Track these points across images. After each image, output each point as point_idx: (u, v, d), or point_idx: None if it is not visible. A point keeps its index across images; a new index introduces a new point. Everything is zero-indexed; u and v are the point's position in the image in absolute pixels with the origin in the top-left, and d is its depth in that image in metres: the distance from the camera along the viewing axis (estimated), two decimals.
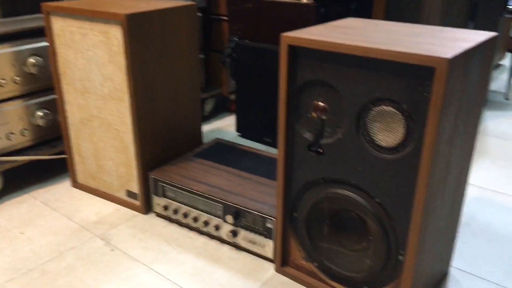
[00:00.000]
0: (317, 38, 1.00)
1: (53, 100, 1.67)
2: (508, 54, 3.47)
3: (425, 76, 0.89)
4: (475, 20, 2.08)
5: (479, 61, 0.99)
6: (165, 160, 1.59)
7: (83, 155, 1.63)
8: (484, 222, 1.52)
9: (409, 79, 0.91)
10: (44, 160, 1.86)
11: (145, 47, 1.40)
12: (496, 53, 2.79)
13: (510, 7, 2.56)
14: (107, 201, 1.62)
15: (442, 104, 0.87)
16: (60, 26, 1.47)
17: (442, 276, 1.27)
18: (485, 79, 1.07)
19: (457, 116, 0.97)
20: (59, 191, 1.68)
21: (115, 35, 1.36)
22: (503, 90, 2.81)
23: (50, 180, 1.76)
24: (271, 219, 1.28)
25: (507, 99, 2.67)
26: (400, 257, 1.06)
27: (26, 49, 1.57)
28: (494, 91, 2.81)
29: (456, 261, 1.34)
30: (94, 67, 1.45)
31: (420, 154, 0.94)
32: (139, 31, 1.37)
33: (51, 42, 1.51)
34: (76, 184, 1.70)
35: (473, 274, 1.29)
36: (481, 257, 1.36)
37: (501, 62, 3.41)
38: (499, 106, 2.57)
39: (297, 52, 1.05)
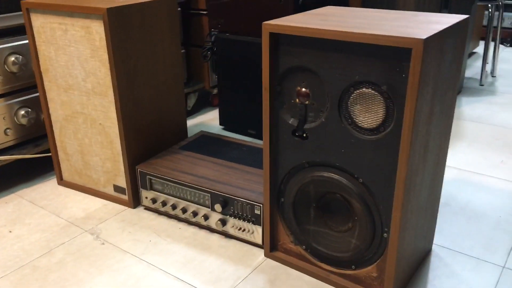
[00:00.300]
0: (297, 25, 1.03)
1: (35, 98, 1.67)
2: (481, 42, 3.57)
3: (402, 58, 0.93)
4: (448, 8, 2.14)
5: (452, 42, 1.04)
6: (151, 154, 1.60)
7: (68, 152, 1.63)
8: (463, 201, 1.58)
9: (387, 61, 0.95)
10: (29, 159, 1.85)
11: (127, 40, 1.41)
12: (470, 41, 2.87)
13: None
14: (94, 197, 1.63)
15: (419, 84, 0.91)
16: (40, 23, 1.47)
17: (426, 253, 1.32)
18: (459, 60, 1.12)
19: (434, 96, 1.02)
20: (45, 189, 1.68)
21: (97, 29, 1.36)
22: (477, 77, 2.90)
23: (36, 179, 1.75)
24: (259, 206, 1.31)
25: (481, 85, 2.75)
26: (385, 235, 1.10)
27: (6, 48, 1.56)
28: (469, 78, 2.89)
29: (438, 238, 1.39)
30: (76, 63, 1.45)
31: (400, 134, 0.98)
32: (121, 25, 1.38)
33: (32, 39, 1.51)
34: (62, 182, 1.70)
35: (454, 250, 1.34)
36: (461, 234, 1.41)
37: (475, 50, 3.50)
38: (474, 92, 2.65)
39: (278, 39, 1.08)
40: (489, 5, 2.69)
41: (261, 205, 1.30)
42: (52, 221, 1.50)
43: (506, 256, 1.31)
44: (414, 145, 0.98)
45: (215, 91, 2.40)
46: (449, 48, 1.03)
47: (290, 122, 1.15)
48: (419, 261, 1.28)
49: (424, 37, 0.88)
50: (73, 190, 1.67)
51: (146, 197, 1.52)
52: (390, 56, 0.94)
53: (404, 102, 0.95)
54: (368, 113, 1.02)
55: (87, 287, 1.21)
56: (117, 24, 1.36)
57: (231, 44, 1.97)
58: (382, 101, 0.99)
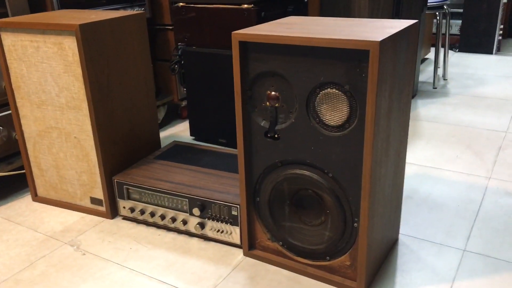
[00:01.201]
0: (265, 33, 1.12)
1: (7, 115, 1.68)
2: (432, 49, 3.79)
3: (362, 59, 1.02)
4: (399, 16, 2.29)
5: (405, 44, 1.15)
6: (127, 165, 1.64)
7: (42, 167, 1.64)
8: (424, 194, 1.69)
9: (348, 63, 1.04)
10: (2, 177, 1.84)
11: (100, 55, 1.46)
12: (422, 48, 3.06)
13: (430, 3, 2.83)
14: (71, 210, 1.64)
15: (378, 82, 1.01)
16: (11, 41, 1.50)
17: (394, 241, 1.42)
18: (412, 60, 1.23)
19: (392, 93, 1.12)
20: (20, 206, 1.68)
21: (69, 45, 1.40)
22: (430, 81, 3.08)
23: (10, 196, 1.75)
24: (235, 206, 1.37)
25: (435, 88, 2.93)
26: (355, 225, 1.19)
27: None
28: (423, 82, 3.07)
29: (404, 228, 1.49)
30: (49, 79, 1.48)
31: (363, 129, 1.08)
32: (93, 40, 1.42)
33: (3, 57, 1.53)
34: (37, 198, 1.70)
35: (419, 238, 1.44)
36: (424, 223, 1.52)
37: (427, 56, 3.71)
38: (428, 94, 2.82)
39: (247, 47, 1.16)
40: (437, 13, 2.89)
41: (238, 205, 1.37)
42: (30, 236, 1.50)
43: (466, 240, 1.42)
44: (376, 138, 1.08)
45: (184, 103, 2.46)
46: (402, 49, 1.14)
47: (262, 124, 1.22)
48: (388, 249, 1.38)
49: (380, 39, 0.98)
50: (49, 206, 1.68)
51: (124, 207, 1.55)
52: (351, 58, 1.03)
53: (365, 100, 1.05)
54: (333, 112, 1.11)
55: None
56: (90, 40, 1.41)
57: (198, 57, 2.04)
58: (345, 99, 1.08)
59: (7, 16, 1.69)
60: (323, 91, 1.10)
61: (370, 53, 0.99)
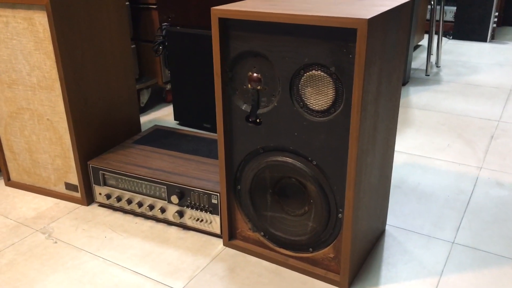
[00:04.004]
0: (246, 9, 1.04)
1: None
2: (426, 36, 3.72)
3: (349, 39, 0.95)
4: None
5: (396, 24, 1.08)
6: (103, 149, 1.56)
7: (15, 150, 1.56)
8: (413, 183, 1.64)
9: (334, 43, 0.97)
10: None
11: (73, 32, 1.37)
12: (415, 34, 2.99)
13: None
14: (45, 196, 1.57)
15: (365, 63, 0.94)
16: None
17: (380, 233, 1.36)
18: (403, 42, 1.16)
19: (380, 76, 1.05)
20: None
21: (40, 21, 1.32)
22: (423, 68, 3.01)
23: None
24: (215, 195, 1.31)
25: (427, 75, 2.87)
26: (340, 215, 1.13)
27: None
28: (416, 69, 3.00)
29: (391, 219, 1.44)
30: (19, 57, 1.40)
31: (349, 114, 1.01)
32: (65, 16, 1.33)
33: None
34: (9, 182, 1.62)
35: (407, 229, 1.39)
36: (412, 213, 1.47)
37: (420, 43, 3.64)
38: (420, 82, 2.75)
39: (227, 24, 1.08)
40: None
41: (218, 194, 1.30)
42: (0, 222, 1.43)
43: (455, 232, 1.37)
44: (363, 124, 1.01)
45: (168, 86, 2.37)
46: (393, 29, 1.06)
47: (243, 108, 1.15)
48: (374, 240, 1.32)
49: (368, 17, 0.91)
50: (22, 191, 1.60)
51: (100, 193, 1.48)
52: (337, 37, 0.96)
53: (352, 83, 0.98)
54: (318, 95, 1.04)
55: (40, 286, 1.17)
56: (62, 15, 1.32)
57: (182, 38, 1.95)
58: (331, 82, 1.01)
59: None
60: (308, 73, 1.03)
61: (357, 31, 0.92)
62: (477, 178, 1.67)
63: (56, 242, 1.34)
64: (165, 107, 2.40)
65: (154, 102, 2.45)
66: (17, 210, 1.50)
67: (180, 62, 2.01)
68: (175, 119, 2.14)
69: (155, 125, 1.75)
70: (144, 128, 2.10)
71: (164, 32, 2.01)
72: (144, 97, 2.32)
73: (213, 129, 2.05)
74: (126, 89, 1.62)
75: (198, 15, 1.90)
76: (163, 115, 2.28)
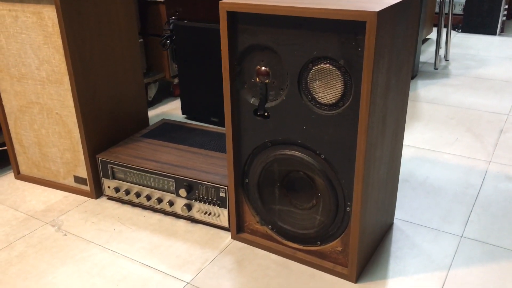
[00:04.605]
0: (254, 2, 1.03)
1: None
2: (434, 29, 3.69)
3: (358, 32, 0.95)
4: None
5: (405, 16, 1.07)
6: (112, 143, 1.57)
7: (24, 144, 1.57)
8: (421, 177, 1.63)
9: (343, 36, 0.97)
10: None
11: (81, 26, 1.37)
12: (423, 28, 2.96)
13: None
14: (54, 189, 1.58)
15: (374, 56, 0.93)
16: None
17: (388, 226, 1.36)
18: (413, 35, 1.15)
19: (389, 69, 1.05)
20: (2, 184, 1.62)
21: (49, 15, 1.32)
22: (432, 61, 2.99)
23: None
24: (223, 188, 1.31)
25: (436, 68, 2.84)
26: (348, 209, 1.13)
27: None
28: (424, 62, 2.98)
29: (399, 213, 1.43)
30: (29, 51, 1.40)
31: (358, 107, 1.01)
32: (74, 10, 1.34)
33: None
34: (19, 176, 1.64)
35: (415, 223, 1.39)
36: (421, 207, 1.46)
37: (429, 36, 3.61)
38: (429, 75, 2.74)
39: (236, 18, 1.08)
40: None
41: (226, 187, 1.30)
42: (10, 215, 1.45)
43: (463, 226, 1.36)
44: (372, 118, 1.01)
45: (176, 81, 2.38)
46: (402, 22, 1.06)
47: (251, 101, 1.15)
48: (382, 234, 1.32)
49: (378, 9, 0.90)
50: (32, 184, 1.62)
51: (109, 187, 1.49)
52: (346, 30, 0.96)
53: (361, 76, 0.98)
54: (327, 89, 1.04)
55: (50, 278, 1.18)
56: (70, 9, 1.32)
57: (190, 32, 1.95)
58: (340, 75, 1.01)
59: None
60: (316, 67, 1.03)
61: (367, 24, 0.91)
62: (486, 172, 1.66)
63: (65, 235, 1.35)
64: (172, 101, 2.40)
65: (162, 96, 2.45)
66: (27, 203, 1.51)
67: (187, 56, 2.01)
68: (182, 113, 2.15)
69: (163, 119, 1.75)
70: (151, 122, 2.11)
71: (171, 26, 2.01)
72: (152, 91, 2.33)
73: (221, 123, 2.05)
74: (134, 83, 1.63)
75: (205, 9, 1.89)
76: (171, 109, 2.29)
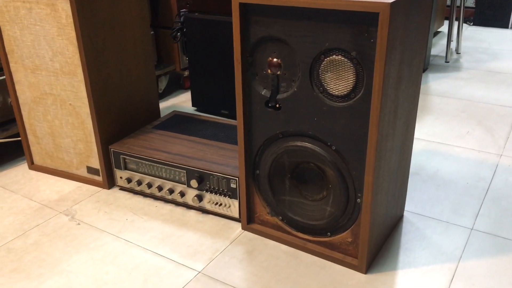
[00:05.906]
0: None
1: (1, 81, 1.63)
2: (446, 22, 3.66)
3: (370, 23, 0.95)
4: None
5: (418, 8, 1.07)
6: (124, 134, 1.59)
7: (38, 135, 1.60)
8: (432, 170, 1.63)
9: (355, 27, 0.97)
10: None
11: (94, 18, 1.38)
12: (435, 21, 2.94)
13: None
14: (67, 179, 1.61)
15: (387, 48, 0.93)
16: (3, 1, 1.43)
17: (398, 218, 1.36)
18: (425, 27, 1.15)
19: (402, 61, 1.05)
20: (16, 174, 1.65)
21: (63, 7, 1.33)
22: (443, 55, 2.97)
23: (6, 164, 1.71)
24: (234, 179, 1.32)
25: (447, 62, 2.83)
26: (358, 200, 1.13)
27: None
28: (435, 56, 2.96)
29: (409, 205, 1.44)
30: (43, 42, 1.42)
31: (370, 99, 1.01)
32: (87, 2, 1.35)
33: None
34: (33, 166, 1.67)
35: (425, 216, 1.39)
36: (431, 200, 1.46)
37: (440, 29, 3.58)
38: (440, 68, 2.72)
39: (248, 9, 1.08)
40: None
41: (237, 178, 1.32)
42: (25, 204, 1.47)
43: (474, 219, 1.37)
44: (383, 109, 1.01)
45: (186, 73, 2.39)
46: (415, 14, 1.05)
47: (262, 93, 1.16)
48: (392, 226, 1.33)
49: (391, 1, 0.90)
50: (45, 174, 1.64)
51: (121, 177, 1.51)
52: (359, 22, 0.96)
53: (373, 68, 0.98)
54: (339, 80, 1.04)
55: (64, 266, 1.20)
56: (84, 1, 1.34)
57: (200, 24, 1.96)
58: (352, 67, 1.01)
59: None
60: (328, 58, 1.03)
61: (379, 16, 0.91)
62: (497, 165, 1.65)
63: (79, 224, 1.37)
64: (182, 93, 2.42)
65: (172, 89, 2.47)
66: (40, 192, 1.54)
67: (198, 48, 2.01)
68: (192, 105, 2.16)
69: (174, 110, 1.77)
70: (162, 114, 2.13)
71: (182, 18, 2.01)
72: (162, 84, 2.34)
73: (231, 116, 2.06)
74: (145, 75, 1.64)
75: (216, 1, 1.90)
76: (181, 102, 2.30)
